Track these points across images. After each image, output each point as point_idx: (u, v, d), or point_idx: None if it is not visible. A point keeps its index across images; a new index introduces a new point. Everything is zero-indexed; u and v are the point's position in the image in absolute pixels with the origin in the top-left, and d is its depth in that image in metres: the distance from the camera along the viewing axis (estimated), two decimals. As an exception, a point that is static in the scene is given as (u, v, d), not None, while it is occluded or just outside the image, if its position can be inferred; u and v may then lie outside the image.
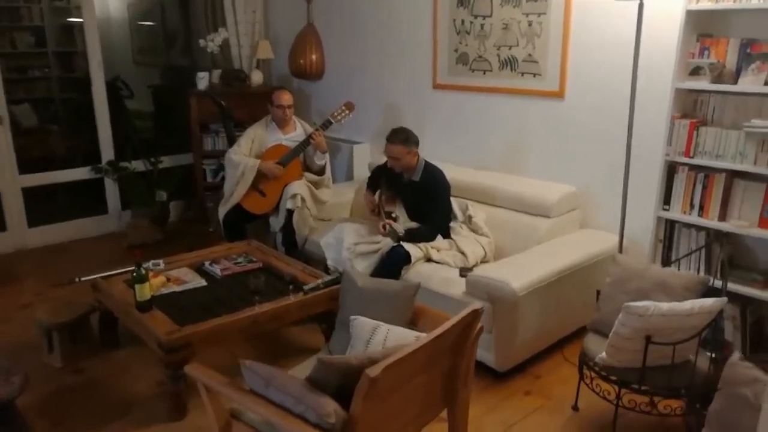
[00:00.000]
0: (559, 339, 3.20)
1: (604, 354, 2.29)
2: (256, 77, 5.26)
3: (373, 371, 1.62)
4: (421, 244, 3.37)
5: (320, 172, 4.15)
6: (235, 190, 3.92)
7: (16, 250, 4.72)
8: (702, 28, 2.85)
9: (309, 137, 3.95)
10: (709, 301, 2.15)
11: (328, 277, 3.10)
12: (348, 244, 3.46)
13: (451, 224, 3.57)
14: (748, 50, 2.70)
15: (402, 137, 3.41)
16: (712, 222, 2.87)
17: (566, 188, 3.49)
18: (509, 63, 3.82)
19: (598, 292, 2.63)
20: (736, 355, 1.77)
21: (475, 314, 2.02)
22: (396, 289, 2.39)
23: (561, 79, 3.57)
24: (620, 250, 3.08)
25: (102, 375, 3.00)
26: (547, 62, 3.62)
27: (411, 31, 4.39)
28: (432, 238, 3.42)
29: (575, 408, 2.71)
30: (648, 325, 2.13)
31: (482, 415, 2.65)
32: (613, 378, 2.32)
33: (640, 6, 2.83)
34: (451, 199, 3.59)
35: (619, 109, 3.31)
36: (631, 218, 3.17)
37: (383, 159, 4.15)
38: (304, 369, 2.31)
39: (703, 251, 2.92)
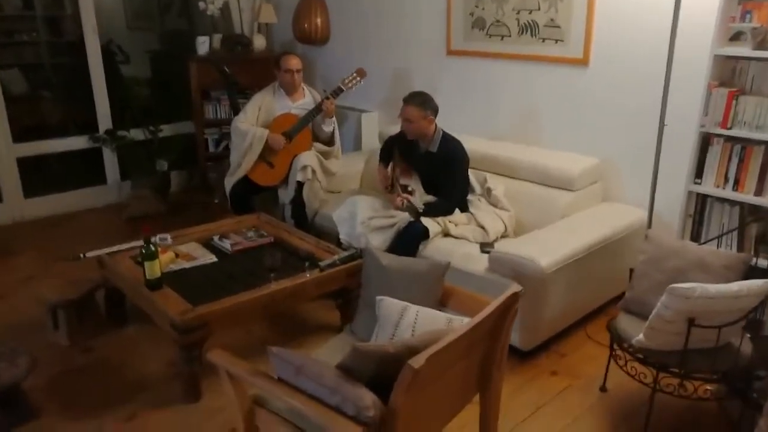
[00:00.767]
0: (582, 316, 3.11)
1: (641, 336, 2.18)
2: (259, 42, 5.05)
3: (417, 362, 1.50)
4: (439, 219, 3.24)
5: (329, 141, 3.99)
6: (243, 162, 3.75)
7: (13, 222, 4.56)
8: (744, -10, 2.69)
9: (319, 105, 3.78)
10: (757, 283, 2.04)
11: (344, 253, 2.98)
12: (362, 218, 3.32)
13: (469, 197, 3.44)
14: (795, 14, 2.54)
15: (419, 100, 3.25)
16: (747, 196, 2.75)
17: (589, 160, 3.35)
18: (529, 28, 3.64)
19: (632, 270, 2.51)
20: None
21: (515, 297, 1.90)
22: (424, 268, 2.26)
23: (585, 46, 3.40)
24: (649, 225, 2.96)
25: (111, 354, 2.89)
26: (570, 27, 3.44)
27: (424, -7, 4.18)
28: (450, 212, 3.29)
29: (603, 389, 2.62)
30: (693, 308, 2.02)
31: (510, 396, 2.56)
32: (651, 361, 2.22)
33: (680, -34, 2.66)
34: (469, 171, 3.45)
35: (649, 76, 3.16)
36: (658, 192, 3.05)
37: (393, 128, 4.00)
38: (328, 351, 2.20)
39: (736, 225, 2.81)
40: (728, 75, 2.79)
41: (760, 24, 2.61)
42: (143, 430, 2.40)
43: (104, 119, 4.85)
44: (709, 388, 2.29)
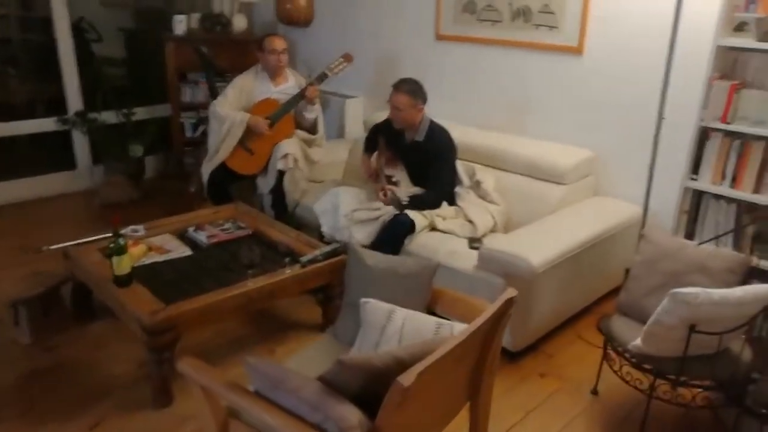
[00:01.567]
0: (571, 315, 3.01)
1: (638, 341, 2.08)
2: (239, 22, 4.83)
3: (407, 379, 1.37)
4: (426, 212, 3.10)
5: (312, 129, 3.82)
6: (221, 147, 3.57)
7: (-25, 208, 4.33)
8: (749, -22, 2.57)
9: (302, 91, 3.60)
10: (763, 288, 1.94)
11: (326, 248, 2.83)
12: (345, 210, 3.17)
13: (457, 190, 3.30)
14: (802, 5, 2.43)
15: (409, 87, 3.10)
16: (745, 194, 2.65)
17: (582, 153, 3.23)
18: (522, 13, 3.49)
19: (627, 271, 2.41)
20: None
21: (510, 303, 1.78)
22: (412, 269, 2.13)
23: (580, 34, 3.27)
24: (644, 222, 2.86)
25: (76, 353, 2.72)
26: (565, 14, 3.30)
27: (412, -26, 4.01)
28: (437, 205, 3.16)
29: (594, 392, 2.53)
30: (696, 314, 1.92)
31: (499, 398, 2.45)
32: (647, 367, 2.12)
33: (683, -49, 2.53)
34: (457, 162, 3.32)
35: (646, 67, 3.04)
36: (652, 187, 2.94)
37: (379, 115, 3.85)
38: (307, 358, 2.07)
39: (732, 223, 2.72)
40: (729, 67, 2.68)
41: (765, 14, 2.49)
42: (109, 438, 2.25)
43: (74, 100, 4.61)
44: (706, 395, 2.20)
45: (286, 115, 3.63)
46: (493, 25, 3.64)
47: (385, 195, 3.07)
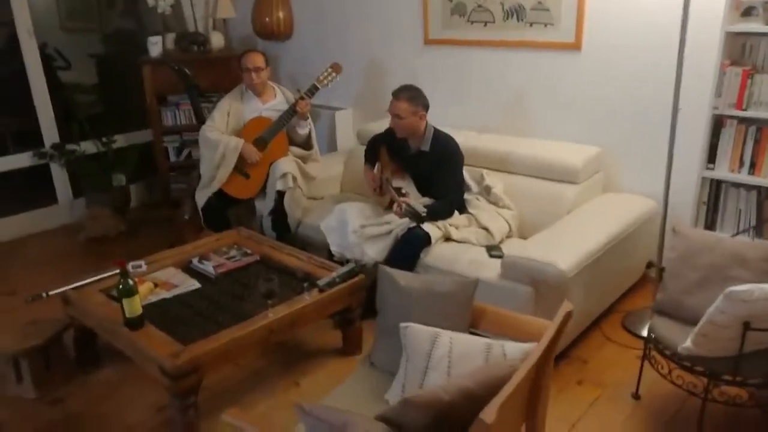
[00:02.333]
0: (597, 316, 2.94)
1: (689, 343, 2.01)
2: (216, 40, 4.68)
3: (489, 416, 1.26)
4: (439, 222, 3.00)
5: (305, 144, 3.69)
6: (216, 174, 3.41)
7: (-48, 254, 4.08)
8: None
9: (293, 106, 3.47)
10: (817, 278, 1.89)
11: (342, 269, 2.70)
12: (354, 226, 3.05)
13: (466, 196, 3.21)
14: (811, -14, 2.41)
15: (409, 94, 3.00)
16: (765, 180, 2.63)
17: (590, 149, 3.17)
18: (515, 12, 3.42)
19: (662, 269, 2.34)
20: None
21: (569, 317, 1.69)
22: (450, 288, 2.02)
23: (577, 29, 3.22)
24: (665, 216, 2.80)
25: (85, 405, 2.53)
26: (560, 10, 3.25)
27: (396, -21, 3.91)
28: (451, 215, 3.06)
29: (636, 396, 2.45)
30: (751, 311, 1.85)
31: (539, 414, 2.35)
32: (701, 369, 2.04)
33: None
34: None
35: (649, 58, 3.00)
36: (663, 180, 2.88)
37: (372, 126, 3.75)
38: (351, 392, 1.94)
39: (753, 210, 2.68)
40: (738, 53, 2.65)
41: (773, -2, 2.47)
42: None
43: (49, 132, 4.39)
44: (752, 391, 2.14)
45: (279, 133, 3.49)
46: (485, 26, 3.56)
47: (400, 208, 2.96)
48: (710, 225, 2.81)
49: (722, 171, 2.72)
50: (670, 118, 2.65)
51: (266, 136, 3.46)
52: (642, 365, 2.37)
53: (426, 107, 3.06)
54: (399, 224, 2.97)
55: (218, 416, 1.81)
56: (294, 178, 3.40)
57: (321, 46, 4.49)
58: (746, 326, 1.89)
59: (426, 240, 2.91)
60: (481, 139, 3.45)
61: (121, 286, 2.25)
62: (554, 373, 2.60)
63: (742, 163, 2.67)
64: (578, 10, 3.17)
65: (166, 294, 2.63)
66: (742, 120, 2.63)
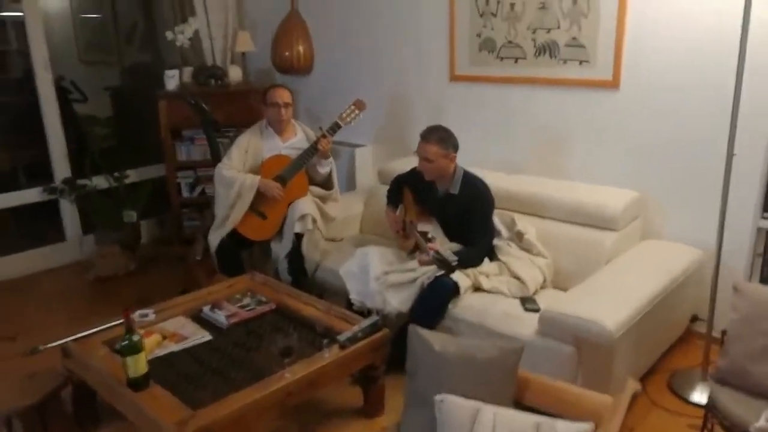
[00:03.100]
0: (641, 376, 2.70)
1: (764, 422, 1.77)
2: (234, 73, 4.57)
3: None
4: (468, 270, 2.80)
5: (326, 183, 3.52)
6: (231, 214, 3.24)
7: (-46, 292, 3.91)
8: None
9: (314, 144, 3.31)
10: None
11: (365, 322, 2.49)
12: (376, 273, 2.85)
13: (496, 242, 3.01)
14: None
15: (438, 136, 2.84)
16: (828, 232, 2.40)
17: (629, 194, 2.97)
18: (548, 49, 3.27)
19: (724, 333, 2.11)
20: None
21: (636, 398, 1.47)
22: (491, 354, 1.80)
23: (615, 66, 3.05)
24: (717, 269, 2.57)
25: (83, 468, 2.32)
26: (596, 46, 3.08)
27: (420, 13, 3.79)
28: (480, 262, 2.85)
29: (693, 472, 2.20)
30: (840, 390, 1.62)
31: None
32: (775, 450, 1.80)
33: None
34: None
35: (694, 98, 2.82)
36: (711, 228, 2.65)
37: (395, 165, 3.59)
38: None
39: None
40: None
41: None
42: None
43: (61, 167, 4.27)
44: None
45: (299, 172, 3.33)
46: (516, 62, 3.40)
47: (427, 255, 2.75)
48: (766, 279, 2.58)
49: (780, 221, 2.50)
50: (724, 162, 2.44)
51: (286, 175, 3.29)
52: (701, 440, 2.13)
53: (456, 148, 2.89)
54: (425, 272, 2.77)
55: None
56: (314, 220, 3.22)
57: (341, 81, 4.36)
58: (832, 406, 1.65)
59: (454, 290, 2.71)
60: (511, 180, 3.26)
61: (125, 342, 2.05)
62: (599, 443, 2.36)
63: (802, 213, 2.45)
64: (616, 47, 3.01)
65: (174, 347, 2.43)
66: (801, 166, 2.43)
